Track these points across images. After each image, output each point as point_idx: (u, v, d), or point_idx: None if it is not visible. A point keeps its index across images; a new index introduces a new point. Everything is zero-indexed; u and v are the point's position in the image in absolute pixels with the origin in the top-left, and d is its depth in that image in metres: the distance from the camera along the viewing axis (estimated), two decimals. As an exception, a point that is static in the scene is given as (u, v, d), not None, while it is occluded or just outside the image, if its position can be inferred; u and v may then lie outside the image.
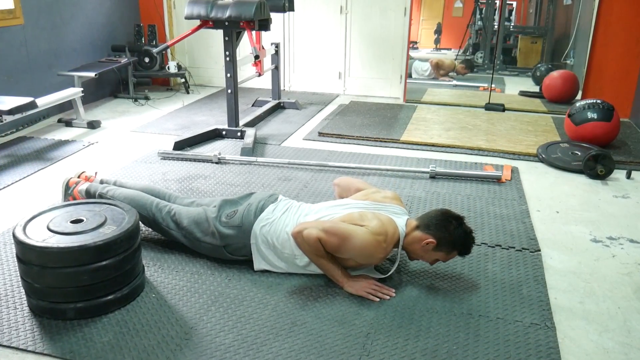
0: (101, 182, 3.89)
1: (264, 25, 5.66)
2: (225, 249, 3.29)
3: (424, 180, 4.76)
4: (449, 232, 3.02)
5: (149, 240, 3.63)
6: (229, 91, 5.69)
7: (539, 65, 8.52)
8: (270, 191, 3.78)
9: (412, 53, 8.21)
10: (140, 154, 5.36)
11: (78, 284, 2.74)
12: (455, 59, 9.10)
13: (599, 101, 5.63)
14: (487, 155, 5.46)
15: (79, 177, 3.94)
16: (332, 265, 3.08)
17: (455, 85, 8.52)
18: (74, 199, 3.77)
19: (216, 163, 5.09)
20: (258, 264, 3.26)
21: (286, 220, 3.22)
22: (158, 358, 2.54)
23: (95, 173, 4.06)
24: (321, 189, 4.51)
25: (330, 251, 3.01)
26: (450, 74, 8.76)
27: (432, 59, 8.72)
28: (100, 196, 3.63)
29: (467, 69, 8.78)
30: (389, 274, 3.19)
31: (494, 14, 8.80)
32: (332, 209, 3.24)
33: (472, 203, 4.31)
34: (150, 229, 3.63)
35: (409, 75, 7.92)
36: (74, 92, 6.19)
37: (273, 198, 3.39)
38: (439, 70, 8.72)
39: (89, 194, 3.71)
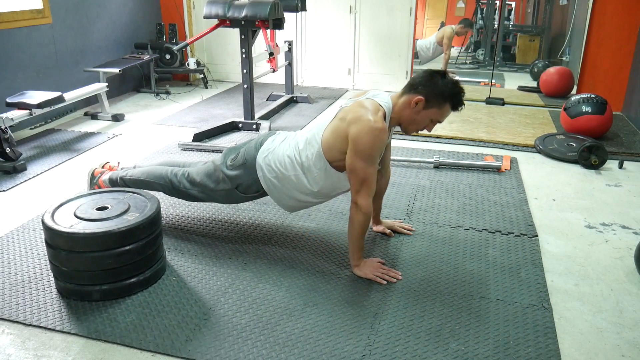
0: (121, 169, 3.89)
1: (278, 24, 5.64)
2: (238, 189, 3.25)
3: (428, 169, 4.74)
4: (435, 84, 2.89)
5: (169, 227, 3.63)
6: (245, 86, 5.68)
7: (537, 61, 8.48)
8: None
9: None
10: (162, 145, 5.36)
11: (103, 267, 2.74)
12: (458, 55, 9.07)
13: (593, 95, 5.60)
14: (487, 147, 5.43)
15: (103, 167, 3.94)
16: (362, 244, 3.05)
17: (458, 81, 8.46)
18: (99, 187, 3.77)
19: (233, 154, 5.07)
20: (273, 197, 3.23)
21: (285, 146, 3.16)
22: (178, 337, 2.54)
23: (118, 163, 4.06)
24: (331, 178, 4.48)
25: (376, 165, 2.93)
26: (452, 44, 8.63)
27: (438, 39, 8.59)
28: (122, 179, 3.62)
29: (466, 27, 8.69)
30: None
31: (494, 14, 8.77)
32: (320, 119, 3.17)
33: (473, 191, 4.29)
34: (170, 216, 3.63)
35: (415, 57, 7.87)
36: (99, 87, 6.20)
37: (271, 133, 3.35)
38: (443, 40, 8.60)
39: (112, 182, 3.70)
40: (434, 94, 2.90)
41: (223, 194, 3.32)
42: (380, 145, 2.87)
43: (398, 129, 3.11)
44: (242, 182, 3.23)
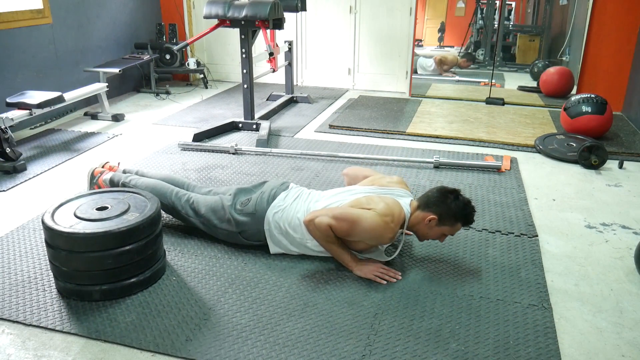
0: (124, 171, 3.89)
1: (278, 24, 5.64)
2: (241, 234, 3.28)
3: (428, 170, 4.73)
4: (448, 206, 3.01)
5: (169, 227, 3.63)
6: (245, 86, 5.68)
7: (537, 61, 8.46)
8: (282, 179, 3.77)
9: (417, 50, 8.17)
10: (162, 145, 5.36)
11: (103, 267, 2.74)
12: (458, 55, 9.06)
13: (593, 95, 5.60)
14: (487, 147, 5.43)
15: (103, 167, 3.94)
16: (341, 250, 3.07)
17: (458, 81, 8.47)
18: (99, 187, 3.77)
19: (233, 154, 5.08)
20: (273, 249, 3.26)
21: (297, 207, 3.20)
22: (178, 337, 2.54)
23: (118, 163, 4.06)
24: (332, 178, 4.49)
25: (341, 236, 3.01)
26: (452, 69, 8.73)
27: (436, 56, 8.68)
28: (124, 185, 3.62)
29: (469, 61, 8.75)
30: (394, 256, 3.18)
31: (494, 14, 8.74)
32: (340, 195, 3.22)
33: (473, 191, 4.29)
34: (170, 216, 3.64)
35: (414, 71, 7.88)
36: (99, 87, 6.19)
37: (285, 186, 3.37)
38: (443, 65, 8.69)
39: (112, 183, 3.71)
40: (446, 214, 3.03)
41: (225, 233, 3.35)
42: (372, 239, 3.04)
43: None
44: (247, 230, 3.26)
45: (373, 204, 3.01)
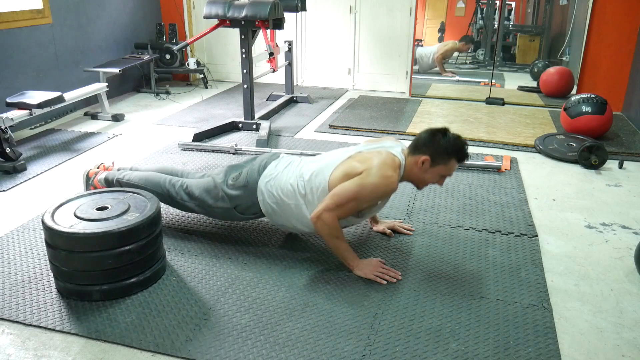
0: (118, 170, 3.89)
1: (278, 24, 5.64)
2: (236, 209, 3.27)
3: (428, 170, 4.73)
4: (438, 143, 2.98)
5: (169, 227, 3.63)
6: (245, 86, 5.68)
7: (537, 61, 8.47)
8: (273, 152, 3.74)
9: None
10: (162, 145, 5.36)
11: (103, 267, 2.74)
12: (458, 55, 9.06)
13: (593, 95, 5.60)
14: (487, 147, 5.43)
15: (97, 167, 3.94)
16: (346, 247, 3.06)
17: (458, 81, 8.47)
18: (95, 188, 3.77)
19: (233, 154, 5.07)
20: (270, 219, 3.26)
21: (289, 173, 3.17)
22: (178, 337, 2.54)
23: (113, 163, 4.06)
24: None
25: (354, 213, 3.00)
26: (453, 69, 8.72)
27: (437, 55, 8.65)
28: (118, 181, 3.62)
29: (468, 44, 8.74)
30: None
31: (494, 14, 8.74)
32: (331, 155, 3.19)
33: (473, 191, 4.29)
34: (170, 217, 3.63)
35: (415, 63, 7.89)
36: (99, 87, 6.19)
37: (275, 156, 3.36)
38: (445, 57, 8.66)
39: (107, 182, 3.70)
40: (438, 152, 2.99)
41: (220, 212, 3.34)
42: (380, 198, 3.01)
43: None
44: (242, 203, 3.26)
45: (366, 162, 2.96)
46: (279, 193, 3.14)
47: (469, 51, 9.00)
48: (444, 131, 3.03)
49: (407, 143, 3.16)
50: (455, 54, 9.00)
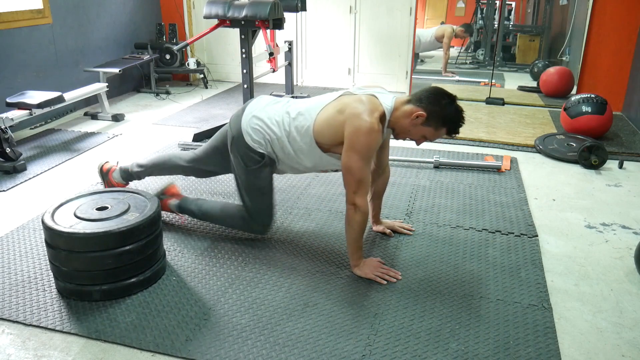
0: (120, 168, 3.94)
1: (278, 24, 5.63)
2: (231, 147, 3.26)
3: (428, 169, 4.73)
4: (441, 107, 2.92)
5: (169, 227, 3.63)
6: (245, 86, 5.67)
7: (537, 61, 8.47)
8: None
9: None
10: (162, 145, 5.36)
11: (103, 267, 2.74)
12: (458, 55, 9.07)
13: (593, 95, 5.60)
14: (487, 147, 5.43)
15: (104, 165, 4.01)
16: (362, 243, 3.05)
17: (458, 81, 8.48)
18: (111, 185, 3.92)
19: (233, 154, 5.07)
20: (254, 144, 3.16)
21: (273, 110, 3.15)
22: (178, 337, 2.54)
23: (117, 162, 4.07)
24: (332, 178, 4.48)
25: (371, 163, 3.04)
26: (451, 66, 8.72)
27: (445, 40, 8.62)
28: (139, 164, 3.81)
29: (466, 32, 8.73)
30: None
31: (494, 14, 8.76)
32: (320, 97, 3.14)
33: (473, 191, 4.29)
34: (170, 217, 3.64)
35: (415, 46, 7.90)
36: (99, 87, 6.19)
37: (251, 99, 3.36)
38: (443, 39, 8.63)
39: (124, 172, 3.88)
40: (436, 114, 2.92)
41: (217, 160, 3.47)
42: (375, 145, 2.88)
43: None
44: (234, 143, 3.21)
45: (349, 108, 2.88)
46: (263, 127, 3.11)
47: (469, 51, 9.01)
48: (452, 98, 2.98)
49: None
50: (456, 54, 9.01)
